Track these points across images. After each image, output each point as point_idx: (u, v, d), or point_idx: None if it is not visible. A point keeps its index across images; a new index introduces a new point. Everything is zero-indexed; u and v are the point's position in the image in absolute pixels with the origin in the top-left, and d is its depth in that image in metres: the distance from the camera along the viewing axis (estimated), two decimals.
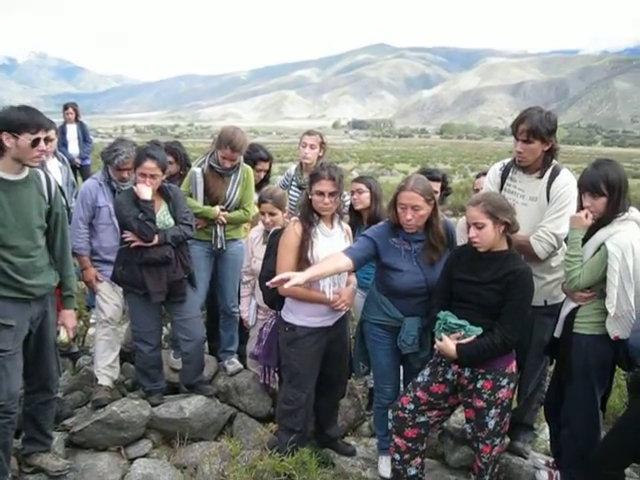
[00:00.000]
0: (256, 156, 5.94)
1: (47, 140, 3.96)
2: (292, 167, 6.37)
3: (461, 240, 4.60)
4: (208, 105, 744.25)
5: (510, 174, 4.57)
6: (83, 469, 4.63)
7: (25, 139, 3.80)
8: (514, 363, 4.09)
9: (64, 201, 4.53)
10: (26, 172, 4.00)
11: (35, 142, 3.83)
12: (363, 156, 57.07)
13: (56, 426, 4.84)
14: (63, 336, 4.48)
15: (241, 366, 5.69)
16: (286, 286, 3.91)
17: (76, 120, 12.62)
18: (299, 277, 3.91)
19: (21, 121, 3.80)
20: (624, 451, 3.86)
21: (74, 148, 12.44)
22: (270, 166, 6.33)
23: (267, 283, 4.04)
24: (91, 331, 6.26)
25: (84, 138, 12.67)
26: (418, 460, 4.39)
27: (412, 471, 4.39)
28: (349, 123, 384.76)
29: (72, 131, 12.49)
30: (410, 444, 4.29)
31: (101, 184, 5.28)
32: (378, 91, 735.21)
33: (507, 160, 4.68)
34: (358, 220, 5.31)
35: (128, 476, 4.59)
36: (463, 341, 3.90)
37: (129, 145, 5.30)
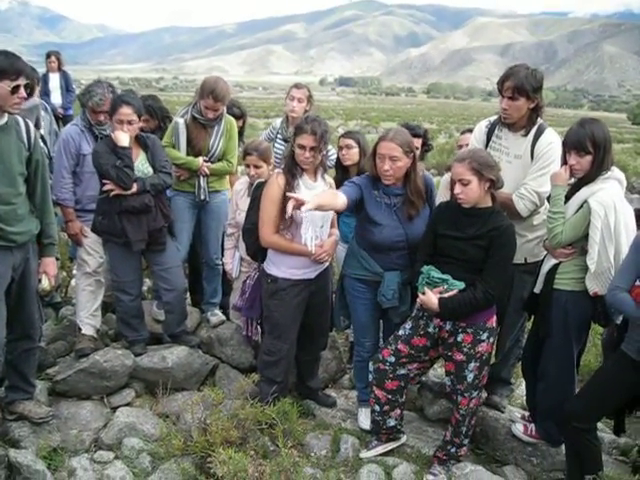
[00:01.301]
0: (229, 113, 5.88)
1: (27, 87, 3.90)
2: (278, 120, 6.33)
3: (442, 197, 4.62)
4: (193, 58, 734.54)
5: (496, 132, 4.57)
6: (66, 417, 4.67)
7: (4, 85, 3.73)
8: (494, 318, 4.15)
9: (45, 149, 4.48)
10: (5, 118, 3.94)
11: (15, 89, 3.77)
12: (349, 113, 56.75)
13: (39, 375, 4.86)
14: (45, 284, 4.47)
15: (224, 318, 5.73)
16: (303, 209, 3.84)
17: (59, 69, 12.37)
18: (310, 204, 3.85)
19: (0, 67, 3.74)
20: (596, 406, 3.96)
21: (57, 98, 12.22)
22: (244, 123, 6.30)
23: (289, 194, 4.03)
24: (74, 282, 6.25)
25: (67, 88, 12.44)
26: (397, 412, 4.48)
27: (391, 422, 4.48)
28: (336, 80, 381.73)
29: (55, 80, 12.26)
30: (390, 396, 4.37)
31: (83, 130, 5.19)
32: (366, 48, 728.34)
33: (493, 118, 4.69)
34: (345, 175, 5.29)
35: (111, 424, 4.65)
36: (445, 295, 3.95)
37: (104, 87, 5.22)
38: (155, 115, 5.89)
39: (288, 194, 4.07)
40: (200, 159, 5.39)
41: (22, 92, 3.81)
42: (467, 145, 4.94)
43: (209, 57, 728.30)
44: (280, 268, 4.50)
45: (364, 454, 4.56)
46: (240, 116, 6.10)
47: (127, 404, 4.95)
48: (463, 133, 5.99)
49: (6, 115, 3.95)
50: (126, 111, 4.72)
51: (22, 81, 3.80)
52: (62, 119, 12.19)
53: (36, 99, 5.61)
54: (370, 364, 4.45)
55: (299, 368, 5.05)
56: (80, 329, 5.28)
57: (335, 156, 5.46)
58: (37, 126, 5.11)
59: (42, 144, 4.43)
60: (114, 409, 4.87)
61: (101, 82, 5.35)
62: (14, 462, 4.04)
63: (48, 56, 12.42)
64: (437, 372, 5.15)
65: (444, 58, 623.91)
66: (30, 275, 4.28)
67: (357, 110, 67.87)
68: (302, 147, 4.31)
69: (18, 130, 4.03)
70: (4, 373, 4.45)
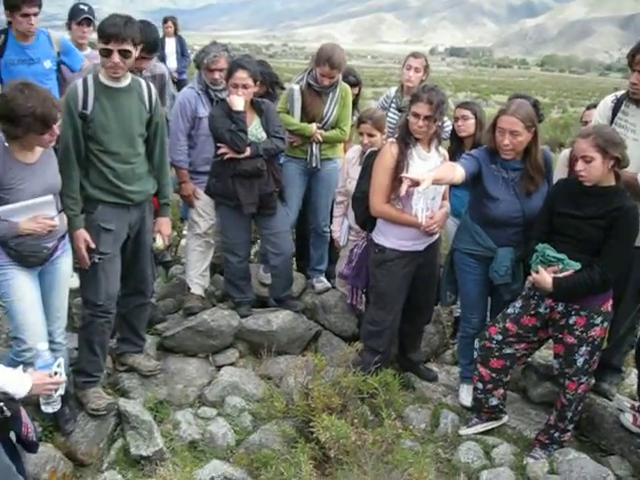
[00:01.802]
0: (345, 81, 5.81)
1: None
2: (392, 89, 6.23)
3: (560, 174, 4.43)
4: (303, 25, 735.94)
5: (622, 107, 4.32)
6: (173, 372, 4.84)
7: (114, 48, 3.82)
8: (610, 302, 3.97)
9: (164, 111, 4.57)
10: (128, 80, 4.05)
11: (126, 53, 3.86)
12: (459, 85, 55.49)
13: (149, 330, 5.05)
14: (159, 242, 4.62)
15: (329, 285, 5.74)
16: (420, 189, 3.79)
17: (175, 34, 12.59)
18: (427, 180, 3.79)
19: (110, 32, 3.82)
20: None
21: (172, 62, 12.45)
22: (359, 91, 6.20)
23: (402, 175, 3.99)
24: (184, 242, 6.41)
25: (182, 52, 12.66)
26: (501, 391, 4.38)
27: (494, 401, 4.39)
28: (446, 50, 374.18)
29: (170, 45, 12.49)
30: (494, 374, 4.27)
31: (199, 93, 5.25)
32: (479, 18, 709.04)
33: (620, 93, 4.43)
34: (459, 147, 5.15)
35: (215, 382, 4.78)
36: (560, 275, 3.80)
37: (219, 46, 5.30)
38: (264, 81, 5.91)
39: (403, 175, 3.99)
40: (313, 126, 5.37)
41: (114, 57, 3.84)
42: (591, 121, 4.71)
43: (319, 25, 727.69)
44: (389, 238, 4.45)
45: (464, 431, 4.50)
46: (355, 84, 6.03)
47: (231, 364, 5.07)
48: (588, 108, 5.71)
49: (129, 77, 4.05)
50: (241, 75, 4.75)
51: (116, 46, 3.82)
52: (177, 83, 12.44)
53: (162, 66, 5.72)
54: (476, 341, 4.36)
55: (402, 340, 5.01)
56: (189, 288, 5.42)
57: (450, 128, 5.33)
58: (162, 94, 5.21)
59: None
60: (218, 367, 5.01)
61: (216, 43, 5.42)
62: (123, 411, 4.23)
63: (165, 21, 12.65)
64: (542, 353, 4.99)
65: (561, 29, 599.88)
66: (145, 233, 4.43)
67: (467, 82, 66.31)
68: (417, 115, 4.23)
69: (140, 92, 4.13)
70: (117, 326, 4.63)
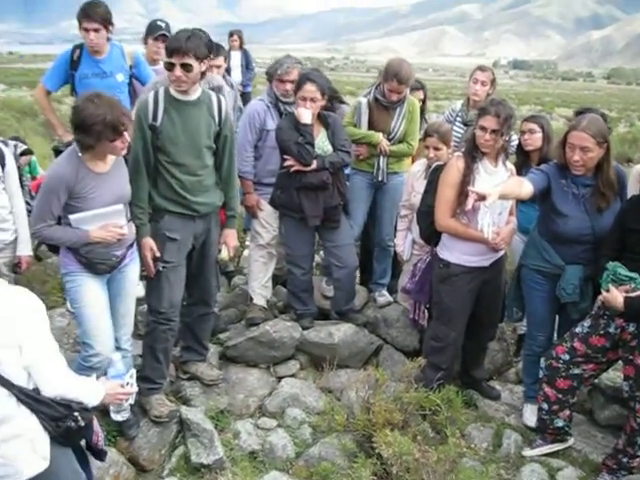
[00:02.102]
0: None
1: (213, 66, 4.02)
2: (458, 102, 6.18)
3: (633, 190, 4.32)
4: (365, 39, 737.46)
5: None
6: (234, 382, 4.88)
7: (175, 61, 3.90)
8: None
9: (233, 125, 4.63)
10: (198, 93, 4.12)
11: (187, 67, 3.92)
12: (522, 98, 54.62)
13: (212, 339, 5.10)
14: (224, 254, 4.67)
15: (391, 299, 5.70)
16: (486, 203, 3.76)
17: (240, 47, 12.75)
18: (494, 195, 3.75)
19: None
20: None
21: (237, 75, 12.60)
22: (425, 96, 6.16)
23: (468, 189, 3.96)
24: (246, 252, 6.47)
25: (247, 65, 12.81)
26: (567, 412, 4.27)
27: (559, 423, 4.28)
28: (509, 63, 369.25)
29: (236, 58, 12.65)
30: (560, 395, 4.17)
31: (268, 106, 5.29)
32: (543, 30, 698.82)
33: None
34: (526, 161, 5.07)
35: (276, 393, 4.81)
36: (632, 294, 3.69)
37: (292, 59, 5.34)
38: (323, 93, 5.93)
39: (470, 189, 3.95)
40: (380, 134, 5.35)
41: (176, 71, 3.91)
42: None
43: (381, 38, 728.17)
44: (454, 253, 4.40)
45: (527, 452, 4.40)
46: (419, 88, 5.98)
47: (292, 375, 5.09)
48: None
49: (199, 90, 4.12)
50: (310, 88, 4.77)
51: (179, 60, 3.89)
52: (241, 96, 12.59)
53: (219, 78, 5.80)
54: (542, 360, 4.26)
55: (465, 357, 4.94)
56: (251, 299, 5.45)
57: (517, 142, 5.25)
58: None
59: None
60: (279, 379, 5.03)
61: (289, 56, 5.47)
62: (185, 419, 4.29)
63: (231, 35, 12.82)
64: (609, 375, 4.84)
65: (628, 41, 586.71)
66: (211, 245, 4.48)
67: (530, 95, 65.19)
68: (483, 129, 4.18)
69: (210, 106, 4.18)
70: (181, 334, 4.70)
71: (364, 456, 3.91)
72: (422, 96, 6.01)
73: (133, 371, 3.15)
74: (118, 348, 4.14)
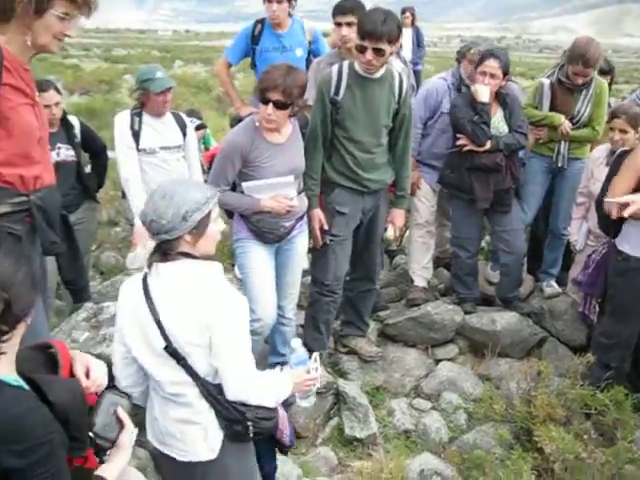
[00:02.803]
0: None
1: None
2: None
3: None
4: (538, 17, 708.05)
5: None
6: (391, 360, 4.91)
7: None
8: None
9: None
10: (382, 71, 4.08)
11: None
12: None
13: (371, 316, 5.10)
14: (389, 233, 4.65)
15: (559, 290, 5.44)
16: (625, 214, 3.57)
17: (412, 25, 12.60)
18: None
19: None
20: None
21: (407, 53, 12.45)
22: (612, 80, 5.75)
23: (607, 200, 3.76)
24: (408, 233, 6.43)
25: (418, 43, 12.66)
26: None
27: None
28: None
29: (407, 35, 12.44)
30: None
31: (450, 87, 5.18)
32: None
33: None
34: None
35: (432, 375, 4.79)
36: None
37: (488, 41, 5.20)
38: None
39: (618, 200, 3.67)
40: (562, 117, 5.05)
41: (367, 54, 3.88)
42: None
43: (556, 16, 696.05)
44: (635, 246, 4.12)
45: None
46: (607, 72, 5.61)
47: (450, 359, 5.03)
48: None
49: (383, 67, 4.07)
50: (492, 64, 4.60)
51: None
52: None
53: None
54: None
55: (636, 357, 4.64)
56: (412, 280, 5.42)
57: None
58: None
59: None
60: (437, 361, 4.99)
61: (486, 39, 5.34)
62: (342, 391, 4.36)
63: (403, 12, 12.65)
64: None
65: None
66: (378, 222, 4.50)
67: None
68: None
69: (391, 83, 4.15)
70: (342, 308, 4.76)
71: (520, 449, 3.79)
72: (608, 81, 5.62)
73: (316, 354, 2.99)
74: (282, 317, 4.26)
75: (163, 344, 2.46)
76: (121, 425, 2.10)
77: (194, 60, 31.33)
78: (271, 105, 3.66)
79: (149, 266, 2.52)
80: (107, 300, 4.57)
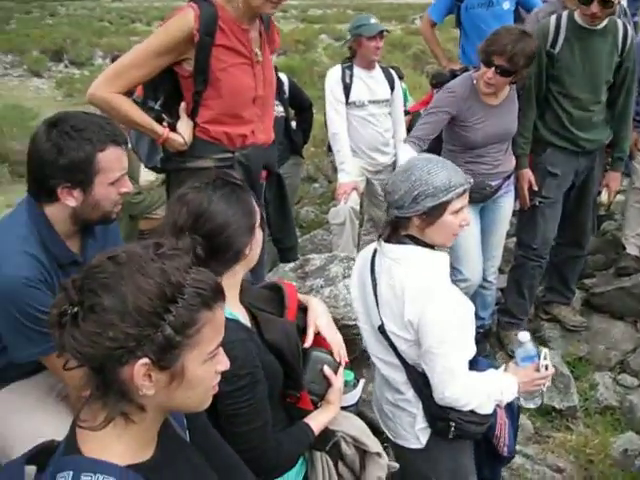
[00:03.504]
0: None
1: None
2: None
3: None
4: None
5: None
6: (596, 331, 4.65)
7: None
8: None
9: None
10: (605, 21, 3.78)
11: None
12: None
13: (576, 283, 4.86)
14: (604, 197, 4.38)
15: None
16: None
17: None
18: None
19: None
20: None
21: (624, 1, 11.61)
22: None
23: None
24: (619, 197, 6.03)
25: None
26: None
27: None
28: None
29: None
30: None
31: None
32: None
33: None
34: None
35: None
36: None
37: None
38: None
39: None
40: None
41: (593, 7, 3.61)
42: None
43: None
44: None
45: None
46: None
47: None
48: None
49: (607, 19, 3.78)
50: None
51: None
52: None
53: None
54: None
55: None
56: (624, 247, 5.07)
57: None
58: None
59: None
60: None
61: None
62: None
63: None
64: None
65: None
66: (592, 184, 4.25)
67: None
68: None
69: (615, 34, 3.84)
70: (547, 274, 4.58)
71: None
72: None
73: (546, 351, 2.57)
74: (484, 280, 4.16)
75: (379, 322, 2.41)
76: (328, 383, 2.12)
77: (389, 18, 31.25)
78: (493, 70, 3.53)
79: (378, 238, 2.47)
80: (306, 254, 4.67)
